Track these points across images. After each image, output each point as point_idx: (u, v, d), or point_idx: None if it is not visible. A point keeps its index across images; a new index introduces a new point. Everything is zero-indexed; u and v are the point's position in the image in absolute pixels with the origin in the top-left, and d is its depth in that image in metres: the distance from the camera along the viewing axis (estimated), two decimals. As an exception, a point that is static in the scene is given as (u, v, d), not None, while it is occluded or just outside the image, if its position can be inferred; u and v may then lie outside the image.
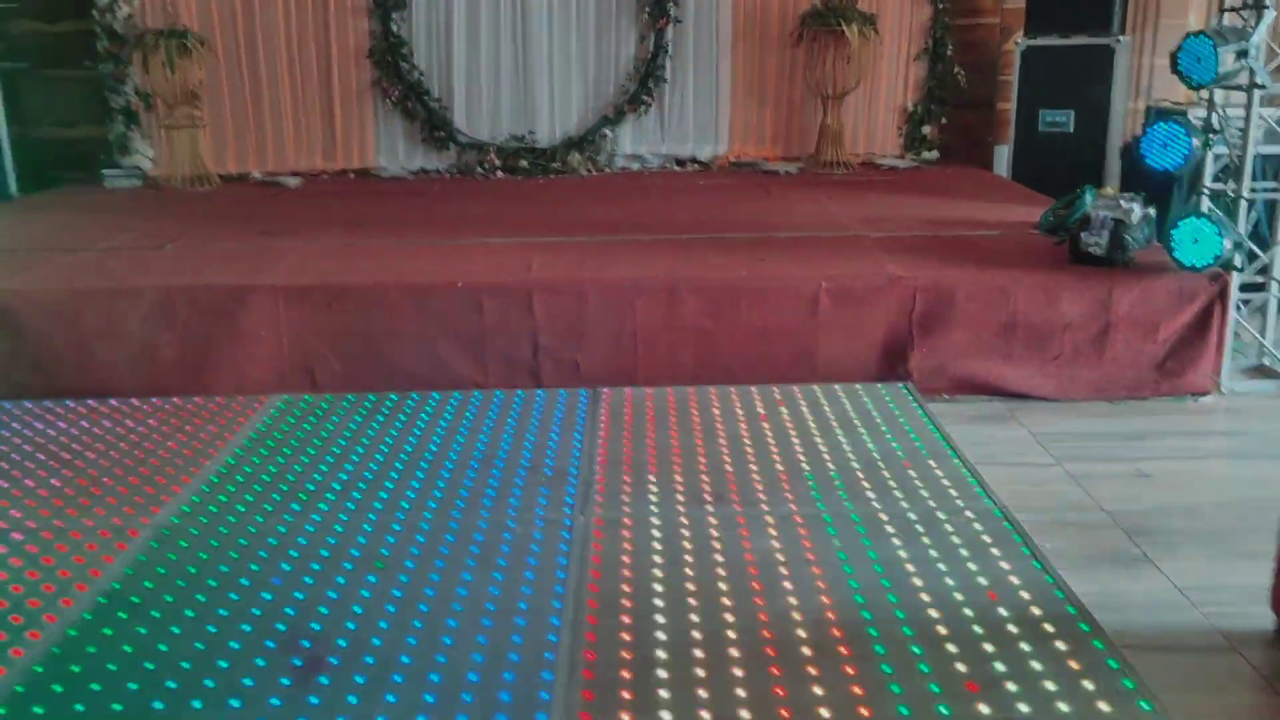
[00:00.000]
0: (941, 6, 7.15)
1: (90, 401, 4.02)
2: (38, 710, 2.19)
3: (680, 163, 7.34)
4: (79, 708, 2.19)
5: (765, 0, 7.15)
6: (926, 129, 7.34)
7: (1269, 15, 3.93)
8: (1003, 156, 7.16)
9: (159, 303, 4.22)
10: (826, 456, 3.46)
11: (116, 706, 2.19)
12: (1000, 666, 2.32)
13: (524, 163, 7.22)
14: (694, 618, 2.51)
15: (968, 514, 3.04)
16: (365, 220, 5.66)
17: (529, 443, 3.59)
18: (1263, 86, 4.00)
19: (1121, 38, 6.53)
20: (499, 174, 7.20)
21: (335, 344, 4.26)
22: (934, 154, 7.36)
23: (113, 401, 4.01)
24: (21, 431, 3.76)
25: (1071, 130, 6.64)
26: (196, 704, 2.20)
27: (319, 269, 4.53)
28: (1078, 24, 6.55)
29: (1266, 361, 4.51)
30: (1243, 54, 3.91)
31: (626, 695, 2.21)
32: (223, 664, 2.34)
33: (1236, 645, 2.61)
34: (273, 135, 7.26)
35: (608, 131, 7.28)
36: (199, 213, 6.02)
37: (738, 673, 2.29)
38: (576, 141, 7.27)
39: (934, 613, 2.53)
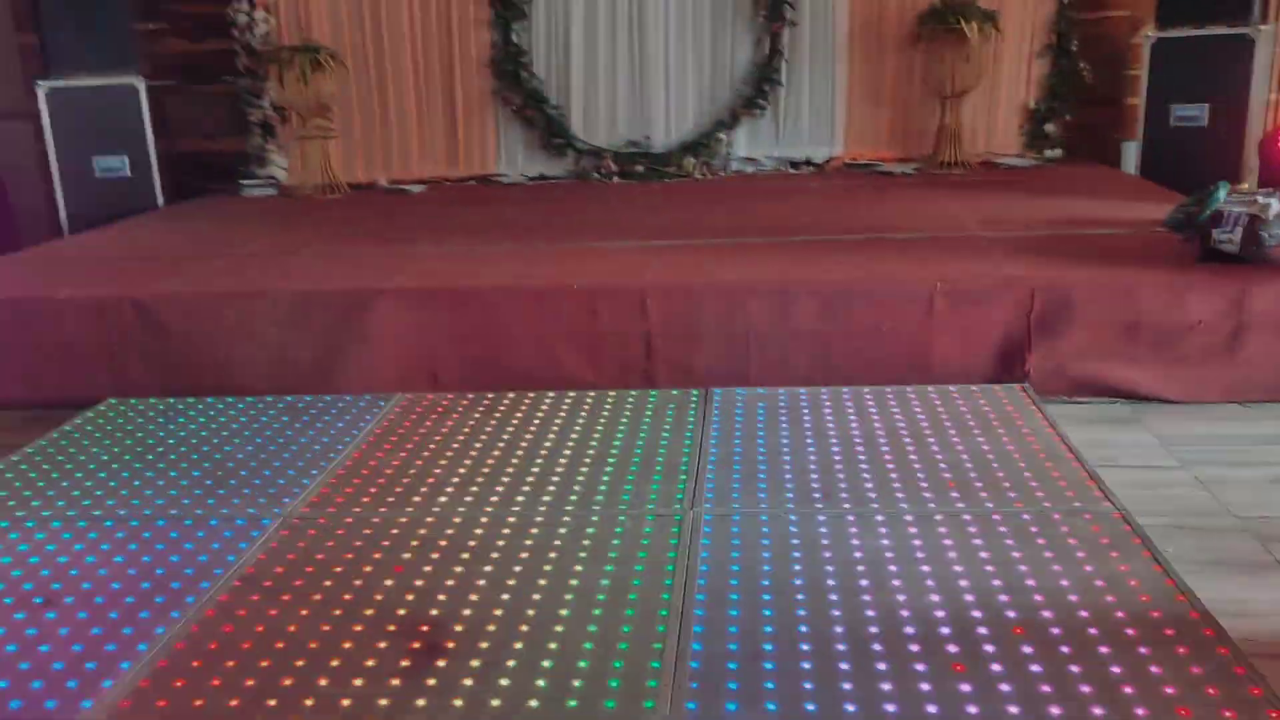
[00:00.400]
0: (1066, 0, 6.97)
1: (229, 399, 4.24)
2: (177, 685, 2.34)
3: (795, 165, 7.33)
4: (214, 683, 2.33)
5: (882, 1, 7.08)
6: (1050, 127, 7.17)
7: None
8: (1131, 154, 6.93)
9: (292, 306, 4.43)
10: (939, 457, 3.42)
11: (249, 681, 2.33)
12: (1117, 670, 2.27)
13: (639, 167, 7.32)
14: (801, 612, 2.52)
15: (1085, 516, 2.97)
16: (486, 226, 5.82)
17: (641, 441, 3.65)
18: None
19: (1262, 26, 6.26)
20: (615, 179, 7.31)
21: (456, 345, 4.40)
22: (1058, 152, 7.18)
23: (249, 399, 4.23)
24: (166, 426, 4.00)
25: (1206, 125, 6.40)
26: (323, 682, 2.32)
27: (442, 273, 4.68)
28: (1213, 13, 6.32)
29: None
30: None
31: (733, 685, 2.24)
32: (346, 645, 2.45)
33: (1373, 656, 2.49)
34: (399, 144, 7.52)
35: (723, 135, 7.33)
36: (330, 219, 6.29)
37: (844, 666, 2.30)
38: (691, 145, 7.33)
39: (1047, 614, 2.49)
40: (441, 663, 2.37)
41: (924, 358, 4.20)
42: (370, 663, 2.38)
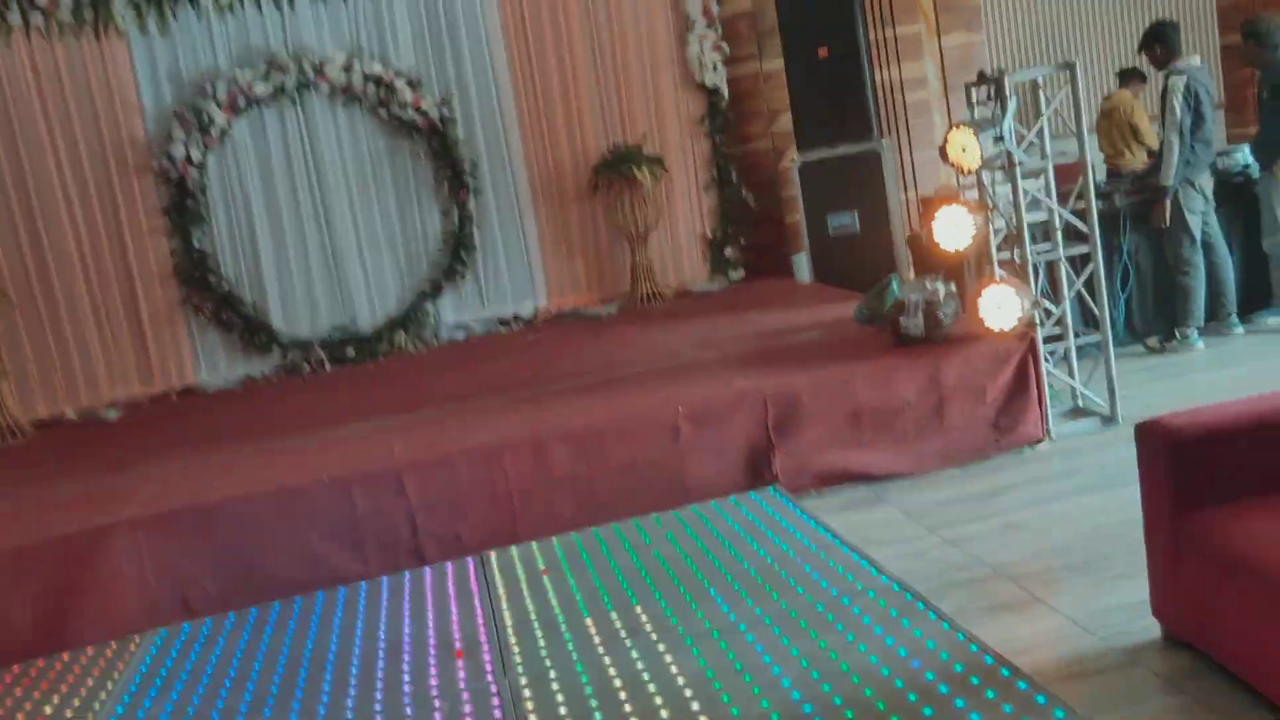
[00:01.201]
0: (719, 139, 7.68)
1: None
2: None
3: (504, 322, 7.51)
4: None
5: (556, 159, 7.51)
6: (729, 251, 7.79)
7: (1013, 104, 4.46)
8: (803, 264, 7.64)
9: (8, 566, 3.98)
10: (724, 569, 3.56)
11: None
12: (945, 727, 2.44)
13: (350, 350, 7.22)
14: (648, 751, 2.53)
15: (870, 594, 3.19)
16: (203, 436, 5.52)
17: (431, 621, 3.55)
18: (1021, 163, 4.52)
19: (884, 140, 7.18)
20: (327, 366, 7.17)
21: (206, 565, 4.11)
22: (740, 273, 7.80)
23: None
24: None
25: (858, 229, 7.17)
26: None
27: (176, 492, 4.39)
28: (841, 135, 7.15)
29: (1080, 403, 4.94)
30: (998, 139, 4.41)
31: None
32: None
33: (1137, 658, 2.82)
34: (83, 370, 7.01)
35: (428, 306, 7.40)
36: (25, 462, 5.73)
37: (707, 792, 2.32)
38: (399, 321, 7.35)
39: (868, 691, 2.64)
40: None
41: (680, 480, 4.38)
42: None
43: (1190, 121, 5.42)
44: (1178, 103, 5.40)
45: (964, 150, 4.40)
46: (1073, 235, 5.00)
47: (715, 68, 7.52)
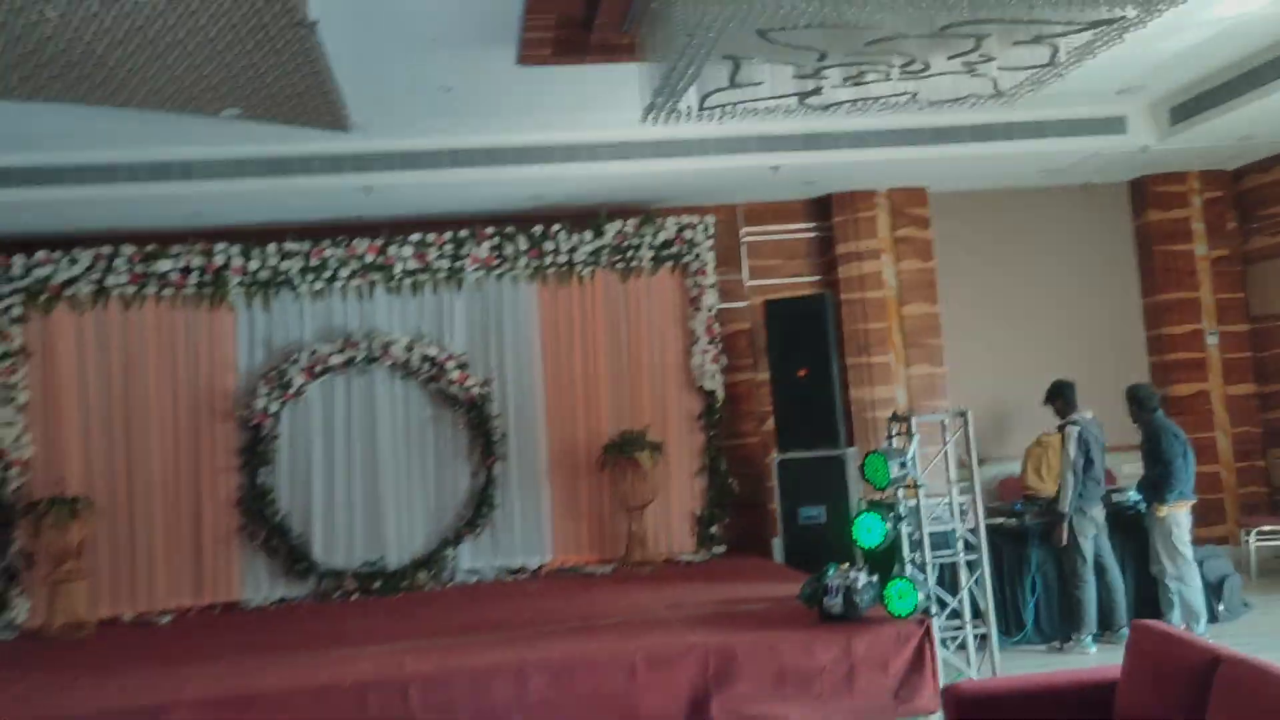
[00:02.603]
0: (713, 433, 9.00)
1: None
2: None
3: (513, 572, 8.60)
4: None
5: (573, 437, 8.84)
6: (714, 528, 8.93)
7: (917, 439, 5.75)
8: (778, 546, 8.77)
9: (88, 725, 5.01)
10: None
11: None
12: None
13: (377, 584, 8.32)
14: None
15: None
16: (244, 644, 6.57)
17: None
18: (923, 485, 5.75)
19: (848, 449, 8.46)
20: (355, 596, 8.25)
21: (241, 746, 5.10)
22: (723, 548, 8.90)
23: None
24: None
25: (825, 520, 8.31)
26: None
27: (221, 686, 5.42)
28: (815, 442, 8.45)
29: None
30: (903, 464, 5.67)
31: None
32: None
33: None
34: (145, 579, 8.15)
35: (448, 551, 8.54)
36: (90, 655, 6.78)
37: None
38: (423, 561, 8.47)
39: None
40: None
41: (634, 711, 5.37)
42: None
43: (1083, 462, 6.66)
44: (1072, 447, 6.66)
45: (876, 472, 5.65)
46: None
47: (714, 376, 8.94)
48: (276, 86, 6.09)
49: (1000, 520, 7.34)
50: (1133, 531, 7.15)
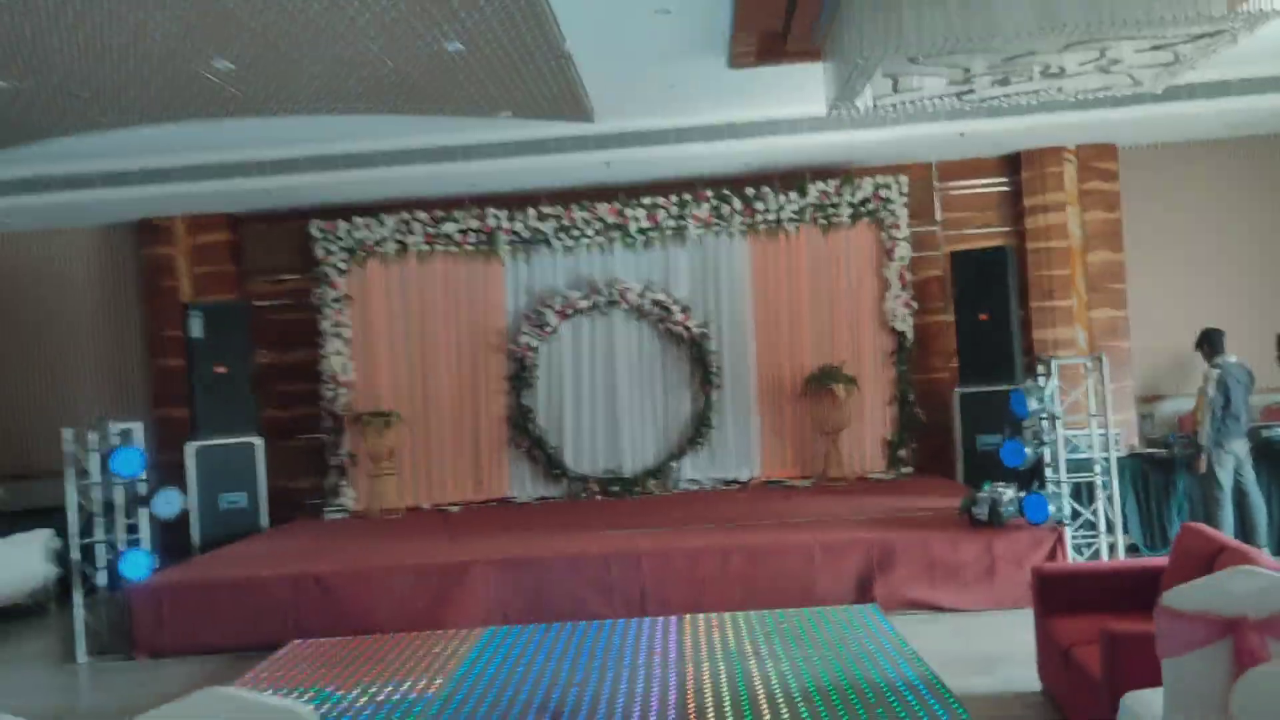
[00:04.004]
0: (903, 368, 10.22)
1: (380, 634, 6.74)
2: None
3: (726, 483, 10.21)
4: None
5: (779, 369, 10.29)
6: (902, 452, 10.20)
7: (1056, 378, 6.86)
8: (959, 469, 9.94)
9: (415, 573, 7.03)
10: (836, 650, 6.04)
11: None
12: None
13: (615, 488, 10.14)
14: None
15: (907, 669, 5.59)
16: (518, 526, 8.51)
17: (646, 646, 6.23)
18: (1059, 417, 6.87)
19: (1029, 383, 9.47)
20: (597, 497, 10.10)
21: (519, 595, 6.98)
22: (909, 469, 10.16)
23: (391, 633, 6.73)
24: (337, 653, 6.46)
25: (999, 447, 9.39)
26: None
27: (508, 550, 7.33)
28: (993, 377, 9.52)
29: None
30: (1041, 399, 6.81)
31: None
32: None
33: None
34: (437, 477, 10.30)
35: (673, 464, 10.24)
36: (405, 530, 8.94)
37: None
38: (651, 471, 10.22)
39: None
40: None
41: (812, 588, 6.88)
42: None
43: (1221, 402, 7.50)
44: (1210, 388, 7.51)
45: (1020, 404, 6.84)
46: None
47: (904, 318, 10.14)
48: (539, 94, 7.78)
49: (1154, 451, 8.27)
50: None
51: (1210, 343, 7.82)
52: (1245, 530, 7.70)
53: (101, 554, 7.29)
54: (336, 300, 10.24)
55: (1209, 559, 4.35)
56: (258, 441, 9.77)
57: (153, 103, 7.20)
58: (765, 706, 5.05)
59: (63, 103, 7.07)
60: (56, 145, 8.52)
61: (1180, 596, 3.18)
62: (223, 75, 6.53)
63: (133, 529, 7.43)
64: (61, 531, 8.83)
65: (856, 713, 4.88)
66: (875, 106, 6.78)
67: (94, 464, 7.27)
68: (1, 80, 6.43)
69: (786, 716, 4.91)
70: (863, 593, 6.91)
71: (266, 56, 6.40)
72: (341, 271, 10.28)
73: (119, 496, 7.35)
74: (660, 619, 6.75)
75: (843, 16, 6.04)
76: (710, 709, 5.04)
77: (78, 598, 7.17)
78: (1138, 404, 10.29)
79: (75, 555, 7.22)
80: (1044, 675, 5.05)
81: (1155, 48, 5.94)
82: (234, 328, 9.90)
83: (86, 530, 7.31)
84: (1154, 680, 3.38)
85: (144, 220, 10.60)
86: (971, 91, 6.58)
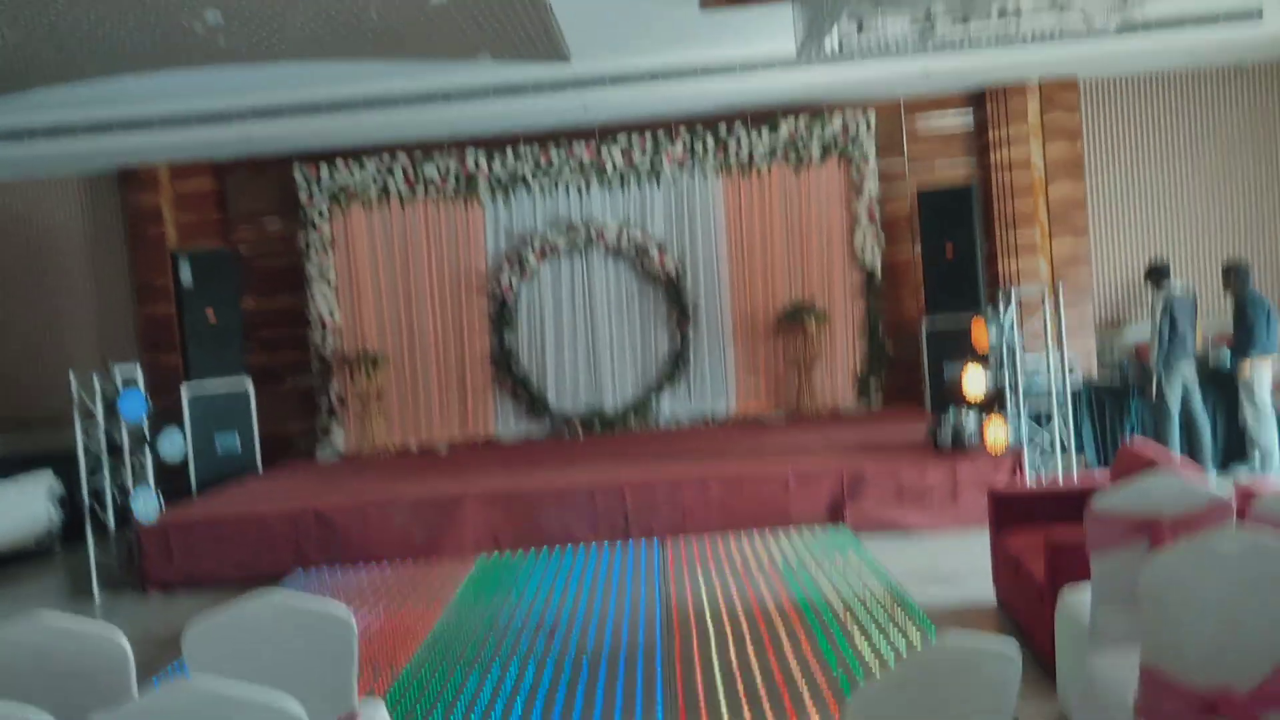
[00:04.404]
0: (872, 302, 10.60)
1: (378, 564, 7.13)
2: None
3: (704, 419, 10.60)
4: None
5: (753, 306, 10.65)
6: (873, 383, 10.62)
7: (1014, 307, 7.25)
8: (928, 398, 10.36)
9: (412, 506, 7.41)
10: (809, 568, 6.48)
11: None
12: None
13: (597, 425, 10.52)
14: (721, 600, 5.51)
15: (874, 584, 6.03)
16: (505, 462, 8.89)
17: (630, 568, 6.65)
18: (1015, 348, 7.28)
19: (989, 312, 9.88)
20: (580, 434, 10.49)
21: (510, 523, 7.38)
22: (879, 401, 10.59)
23: (389, 563, 7.12)
24: (344, 581, 6.85)
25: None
26: None
27: (499, 485, 7.72)
28: (960, 308, 9.90)
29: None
30: (1001, 328, 7.20)
31: (693, 618, 5.19)
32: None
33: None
34: (424, 417, 10.65)
35: (653, 400, 10.62)
36: (397, 468, 9.30)
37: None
38: (633, 408, 10.60)
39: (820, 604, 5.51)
40: None
41: (786, 512, 7.30)
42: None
43: (1168, 328, 7.93)
44: (1158, 315, 7.95)
45: (981, 334, 7.23)
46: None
47: (873, 253, 10.49)
48: (517, 35, 7.99)
49: (1109, 379, 8.72)
50: (1225, 387, 8.39)
51: (1156, 274, 8.23)
52: (1192, 450, 8.18)
53: (109, 495, 7.61)
54: (321, 244, 10.48)
55: (1139, 470, 4.77)
56: (248, 384, 10.05)
57: (140, 54, 7.38)
58: (742, 618, 5.48)
59: (48, 54, 7.22)
60: (38, 94, 8.66)
61: (1106, 500, 3.58)
62: (211, 27, 6.72)
63: (138, 470, 7.75)
64: (62, 475, 9.25)
65: (827, 624, 5.31)
66: (841, 49, 7.07)
67: (99, 408, 7.56)
68: (-8, 35, 6.60)
69: (760, 627, 5.33)
70: (834, 516, 7.35)
71: (252, 7, 6.59)
72: (324, 216, 10.51)
73: (125, 439, 7.65)
74: (643, 540, 7.17)
75: (810, -38, 6.31)
76: (692, 621, 5.47)
77: (90, 537, 7.50)
78: (1098, 331, 10.72)
79: (85, 497, 7.54)
80: (997, 585, 5.50)
81: (1106, -10, 6.24)
82: (222, 274, 10.14)
83: (93, 472, 7.62)
84: (1088, 580, 3.80)
85: (126, 169, 10.75)
86: (932, 31, 6.86)
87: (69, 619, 3.02)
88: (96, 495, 7.60)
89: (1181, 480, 3.61)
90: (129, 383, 7.72)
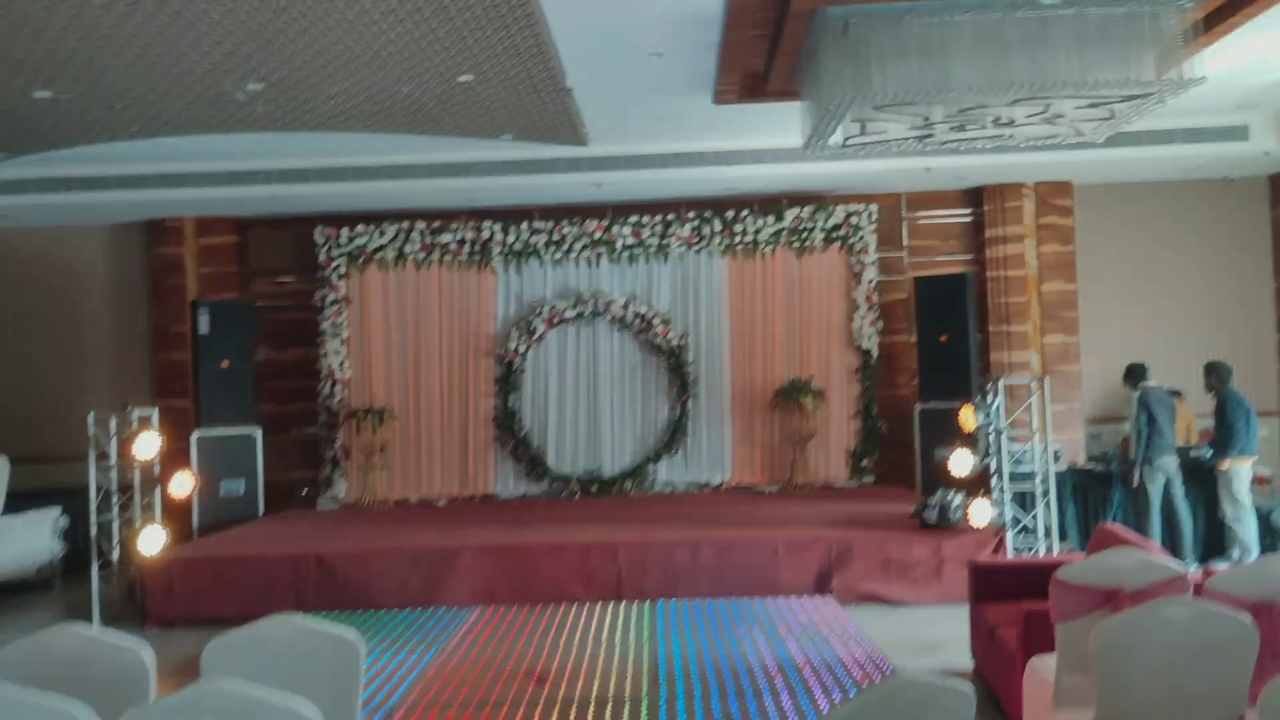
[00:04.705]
0: (867, 384, 10.92)
1: (375, 611, 7.33)
2: None
3: (699, 486, 10.86)
4: None
5: (752, 381, 10.96)
6: (865, 462, 10.89)
7: (1001, 396, 7.56)
8: (919, 479, 10.62)
9: (409, 557, 7.63)
10: (796, 639, 6.69)
11: None
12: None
13: (594, 487, 10.77)
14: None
15: (856, 650, 6.25)
16: (506, 521, 9.12)
17: (622, 626, 6.85)
18: (1002, 432, 7.57)
19: (977, 399, 10.18)
20: (577, 496, 10.73)
21: (505, 578, 7.60)
22: (871, 478, 10.85)
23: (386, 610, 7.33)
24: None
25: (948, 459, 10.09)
26: None
27: (495, 539, 7.95)
28: (952, 393, 10.21)
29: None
30: (988, 415, 7.50)
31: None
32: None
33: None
34: (425, 472, 10.89)
35: (650, 467, 10.87)
36: (396, 520, 9.54)
37: (726, 667, 5.48)
38: (629, 473, 10.85)
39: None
40: None
41: (775, 579, 7.53)
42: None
43: (1145, 421, 8.23)
44: (1134, 410, 8.28)
45: (969, 418, 7.53)
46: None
47: (870, 337, 10.84)
48: (540, 121, 8.44)
49: (1094, 467, 9.00)
50: (1206, 481, 8.66)
51: (1133, 374, 8.59)
52: (1173, 541, 8.42)
53: (116, 531, 7.84)
54: (336, 302, 10.84)
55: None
56: (256, 432, 10.32)
57: (183, 116, 7.79)
58: (729, 677, 5.69)
59: (97, 113, 7.64)
60: (80, 149, 9.08)
61: (1071, 571, 3.85)
62: (252, 95, 7.14)
63: (146, 508, 7.99)
64: (69, 511, 9.48)
65: (809, 685, 5.52)
66: (845, 145, 7.47)
67: (113, 447, 7.83)
68: (47, 90, 7.01)
69: (745, 686, 5.54)
70: (821, 585, 7.57)
71: (292, 79, 7.01)
72: (342, 275, 10.88)
73: (136, 478, 7.90)
74: (635, 603, 7.38)
75: (818, 64, 6.72)
76: (680, 679, 5.67)
77: (95, 570, 7.72)
78: (1087, 424, 11.02)
79: (93, 531, 7.76)
80: (975, 653, 5.72)
81: (1093, 105, 6.65)
82: (238, 325, 10.46)
83: (102, 509, 7.86)
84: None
85: (154, 221, 11.15)
86: (931, 136, 7.27)
87: (99, 631, 3.27)
88: (104, 530, 7.83)
89: (1143, 555, 3.88)
90: (144, 424, 8.00)
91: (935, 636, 6.59)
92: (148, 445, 7.75)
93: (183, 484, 8.05)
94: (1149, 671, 3.13)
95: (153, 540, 7.64)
